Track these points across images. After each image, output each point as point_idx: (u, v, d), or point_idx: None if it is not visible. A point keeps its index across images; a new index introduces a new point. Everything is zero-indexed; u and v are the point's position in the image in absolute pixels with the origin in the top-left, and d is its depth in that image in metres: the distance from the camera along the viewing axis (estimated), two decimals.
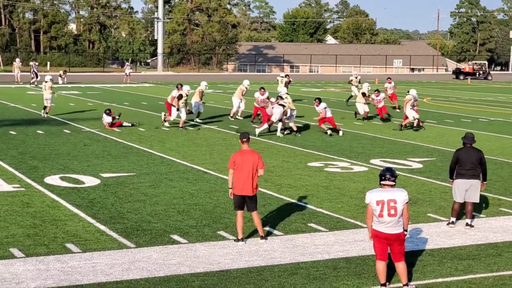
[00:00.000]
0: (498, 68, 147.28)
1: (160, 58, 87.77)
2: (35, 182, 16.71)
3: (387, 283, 9.85)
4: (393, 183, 9.65)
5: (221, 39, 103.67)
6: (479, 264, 11.15)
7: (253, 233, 12.41)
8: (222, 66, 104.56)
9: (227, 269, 10.65)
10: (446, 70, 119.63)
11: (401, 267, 9.72)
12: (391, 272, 10.13)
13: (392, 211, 9.52)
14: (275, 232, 12.76)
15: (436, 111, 36.89)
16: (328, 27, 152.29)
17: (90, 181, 17.01)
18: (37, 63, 57.25)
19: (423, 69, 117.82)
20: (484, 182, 13.51)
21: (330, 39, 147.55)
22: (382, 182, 9.71)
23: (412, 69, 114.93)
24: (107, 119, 27.40)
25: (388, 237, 9.63)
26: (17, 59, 59.98)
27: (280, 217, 13.72)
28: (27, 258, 10.95)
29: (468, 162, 13.25)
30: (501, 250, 11.93)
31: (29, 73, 56.52)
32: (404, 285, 9.74)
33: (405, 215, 9.65)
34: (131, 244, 11.82)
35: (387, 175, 9.65)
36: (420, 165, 20.06)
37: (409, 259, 11.22)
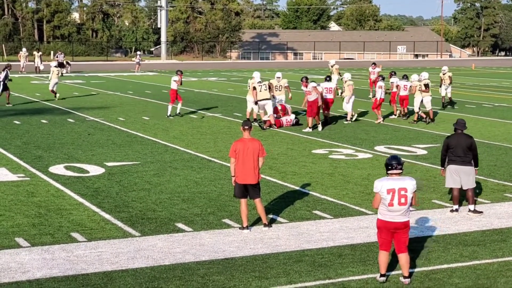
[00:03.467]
0: (503, 53, 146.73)
1: (163, 46, 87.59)
2: (39, 172, 16.73)
3: (408, 279, 9.71)
4: (401, 171, 9.56)
5: (224, 27, 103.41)
6: (484, 250, 11.15)
7: (258, 221, 12.42)
8: (225, 54, 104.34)
9: (232, 257, 10.66)
10: (450, 56, 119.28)
11: (404, 259, 9.64)
12: (393, 260, 10.14)
13: (403, 200, 9.46)
14: (280, 219, 12.76)
15: (440, 97, 36.73)
16: (331, 13, 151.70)
17: (94, 170, 17.02)
18: (63, 54, 56.48)
19: (427, 55, 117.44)
20: (476, 168, 13.47)
21: (333, 26, 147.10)
22: (389, 172, 9.57)
23: (416, 55, 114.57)
24: (174, 78, 27.53)
25: (398, 226, 9.58)
26: (24, 49, 59.70)
27: (284, 205, 13.72)
28: (32, 248, 10.98)
29: (459, 148, 13.24)
30: (506, 236, 11.93)
31: (32, 63, 56.37)
32: (405, 277, 9.67)
33: (415, 203, 9.72)
34: (136, 232, 11.84)
35: (394, 164, 9.52)
36: (424, 152, 20.03)
37: (414, 246, 11.22)
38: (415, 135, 23.44)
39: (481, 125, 25.94)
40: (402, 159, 9.75)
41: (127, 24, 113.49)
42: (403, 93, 27.05)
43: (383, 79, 27.34)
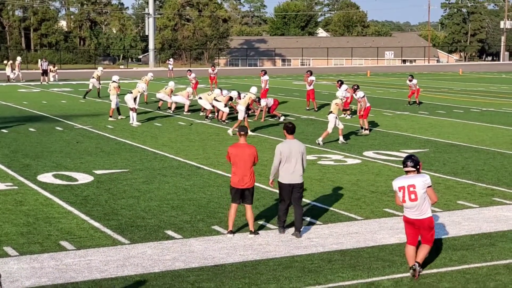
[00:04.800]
0: (489, 58, 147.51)
1: (151, 54, 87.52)
2: (28, 180, 16.66)
3: (417, 264, 10.13)
4: (413, 169, 10.08)
5: (212, 33, 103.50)
6: (473, 254, 11.18)
7: (247, 226, 12.39)
8: (213, 60, 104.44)
9: (222, 263, 10.65)
10: (438, 61, 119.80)
11: (423, 249, 10.17)
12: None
13: (413, 196, 9.98)
14: (269, 226, 12.76)
15: (428, 102, 36.94)
16: (319, 20, 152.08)
17: (83, 178, 16.97)
18: (47, 62, 55.14)
19: (415, 60, 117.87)
20: None
21: (321, 32, 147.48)
22: (404, 169, 10.20)
23: (404, 61, 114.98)
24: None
25: (414, 223, 10.13)
26: (18, 58, 59.03)
27: (274, 211, 13.70)
28: (21, 257, 10.92)
29: None
30: (494, 240, 11.97)
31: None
32: (416, 261, 10.12)
33: (431, 199, 10.07)
34: (125, 240, 11.81)
35: (405, 162, 10.16)
36: None
37: (403, 251, 11.26)
38: (403, 140, 23.50)
39: (469, 130, 26.05)
40: (416, 159, 10.18)
41: (114, 31, 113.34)
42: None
43: (358, 87, 26.72)
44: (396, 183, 10.17)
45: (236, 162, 11.98)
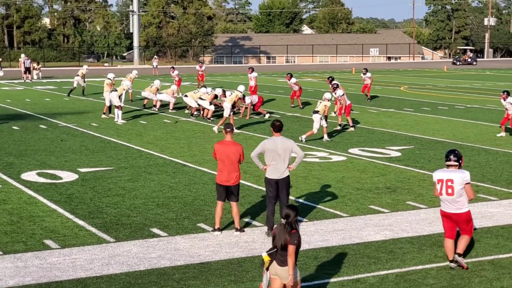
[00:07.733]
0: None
1: (136, 51, 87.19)
2: (11, 179, 16.55)
3: (457, 255, 10.35)
4: (455, 163, 10.27)
5: (197, 31, 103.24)
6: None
7: (233, 223, 12.37)
8: (198, 58, 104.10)
9: (207, 261, 10.63)
10: (423, 58, 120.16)
11: (462, 239, 10.35)
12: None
13: (450, 190, 10.18)
14: (255, 223, 12.75)
15: (413, 99, 37.06)
16: (304, 17, 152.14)
17: (67, 176, 16.88)
18: (29, 60, 54.22)
19: (400, 57, 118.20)
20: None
21: (306, 29, 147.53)
22: (446, 163, 10.37)
23: (389, 58, 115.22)
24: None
25: (451, 216, 10.31)
26: (23, 55, 58.31)
27: (259, 208, 13.71)
28: (4, 256, 10.84)
29: None
30: (479, 236, 12.01)
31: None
32: (456, 253, 10.31)
33: (468, 196, 10.24)
34: (110, 238, 11.75)
35: (449, 156, 10.34)
36: (398, 153, 20.14)
37: (388, 247, 11.29)
38: (388, 137, 23.55)
39: (453, 127, 26.15)
40: (459, 154, 10.45)
41: (99, 29, 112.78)
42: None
43: (338, 86, 26.43)
44: (436, 175, 10.39)
45: (221, 159, 11.96)
